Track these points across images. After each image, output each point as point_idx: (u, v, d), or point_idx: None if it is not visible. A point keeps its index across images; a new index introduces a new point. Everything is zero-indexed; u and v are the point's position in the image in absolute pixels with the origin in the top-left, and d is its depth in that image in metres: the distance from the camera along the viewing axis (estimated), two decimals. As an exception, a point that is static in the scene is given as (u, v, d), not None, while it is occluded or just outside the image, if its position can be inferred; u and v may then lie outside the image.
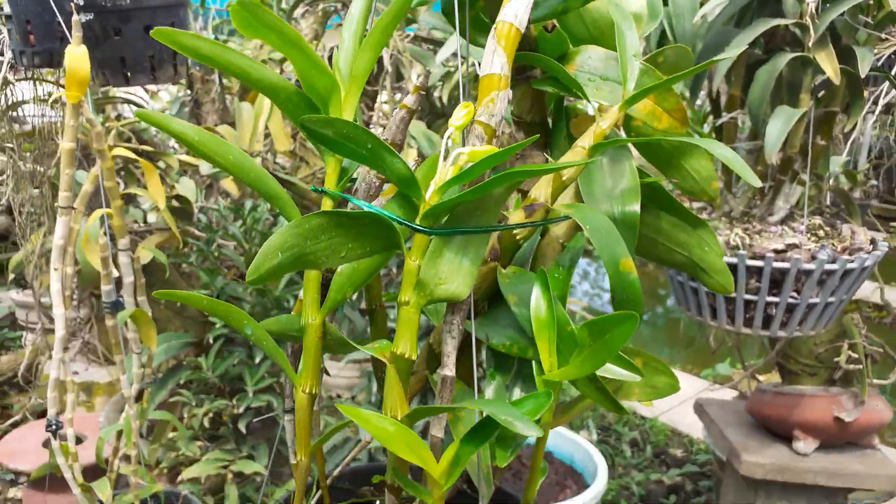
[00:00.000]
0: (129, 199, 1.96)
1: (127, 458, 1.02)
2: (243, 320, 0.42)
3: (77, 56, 0.84)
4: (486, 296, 0.50)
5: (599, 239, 0.44)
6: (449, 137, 0.40)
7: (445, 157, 0.40)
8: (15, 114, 1.71)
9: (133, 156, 0.97)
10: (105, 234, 0.94)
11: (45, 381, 2.59)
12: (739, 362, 1.74)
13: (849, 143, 1.96)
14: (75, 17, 0.83)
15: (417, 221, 0.40)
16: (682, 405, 2.63)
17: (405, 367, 0.41)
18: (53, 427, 0.90)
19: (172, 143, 2.35)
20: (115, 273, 0.94)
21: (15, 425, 2.36)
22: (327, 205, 0.47)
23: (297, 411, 0.46)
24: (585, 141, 0.47)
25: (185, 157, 1.94)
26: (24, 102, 1.62)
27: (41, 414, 2.39)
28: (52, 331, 2.58)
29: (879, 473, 1.47)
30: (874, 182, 2.91)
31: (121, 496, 1.04)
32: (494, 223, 0.44)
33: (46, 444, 1.90)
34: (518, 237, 0.49)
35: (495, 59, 0.44)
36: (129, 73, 0.87)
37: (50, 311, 2.32)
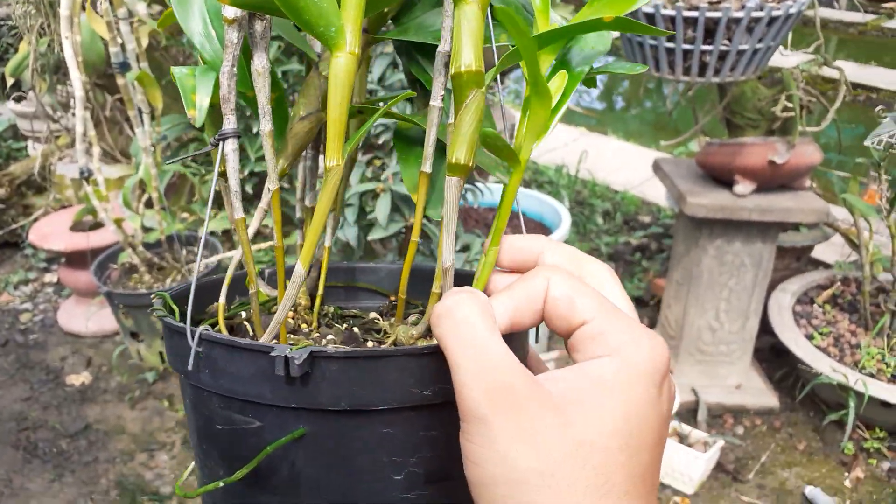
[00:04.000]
0: None
1: (149, 204, 1.21)
2: None
3: None
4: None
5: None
6: None
7: None
8: None
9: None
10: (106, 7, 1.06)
11: (59, 180, 2.77)
12: (693, 120, 1.90)
13: None
14: None
15: None
16: (653, 179, 2.84)
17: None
18: (86, 175, 1.07)
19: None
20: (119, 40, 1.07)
21: (37, 221, 2.58)
22: None
23: (332, 84, 0.31)
24: None
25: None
26: None
27: (61, 209, 2.60)
28: (58, 136, 2.72)
29: (805, 208, 1.69)
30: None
31: (148, 234, 1.24)
32: None
33: (75, 227, 2.12)
34: None
35: None
36: None
37: (55, 116, 2.44)
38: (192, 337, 0.32)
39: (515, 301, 0.29)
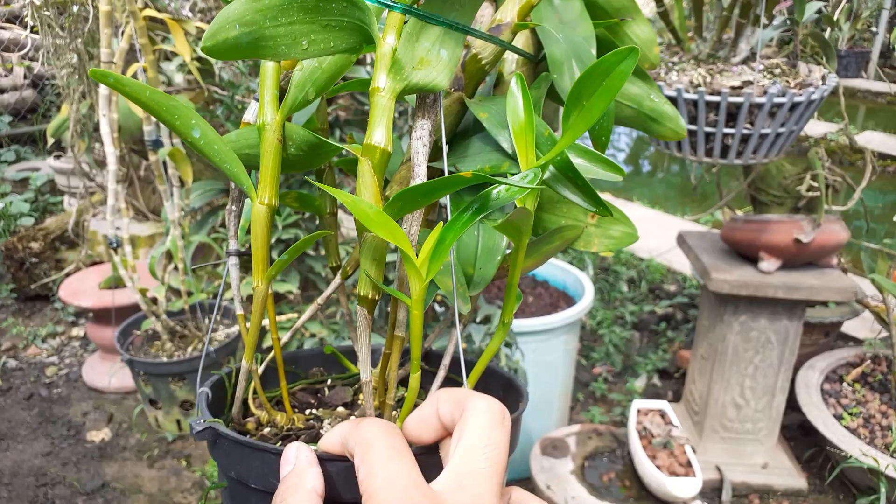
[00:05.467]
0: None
1: (176, 269, 1.23)
2: (190, 120, 0.35)
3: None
4: (450, 131, 0.47)
5: (561, 49, 0.45)
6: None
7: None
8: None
9: (159, 15, 1.11)
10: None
11: (91, 236, 2.83)
12: (718, 195, 1.90)
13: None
14: None
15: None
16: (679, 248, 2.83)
17: (381, 159, 0.38)
18: (114, 245, 1.10)
19: (186, 10, 2.44)
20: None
21: (69, 275, 2.63)
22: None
23: (253, 226, 0.39)
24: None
25: (200, 24, 2.05)
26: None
27: (91, 265, 2.66)
28: (93, 193, 2.80)
29: (831, 286, 1.67)
30: (875, 30, 2.94)
31: (173, 302, 1.26)
32: (469, 25, 0.41)
33: (102, 285, 2.16)
34: (483, 62, 0.47)
35: None
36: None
37: (91, 174, 2.52)
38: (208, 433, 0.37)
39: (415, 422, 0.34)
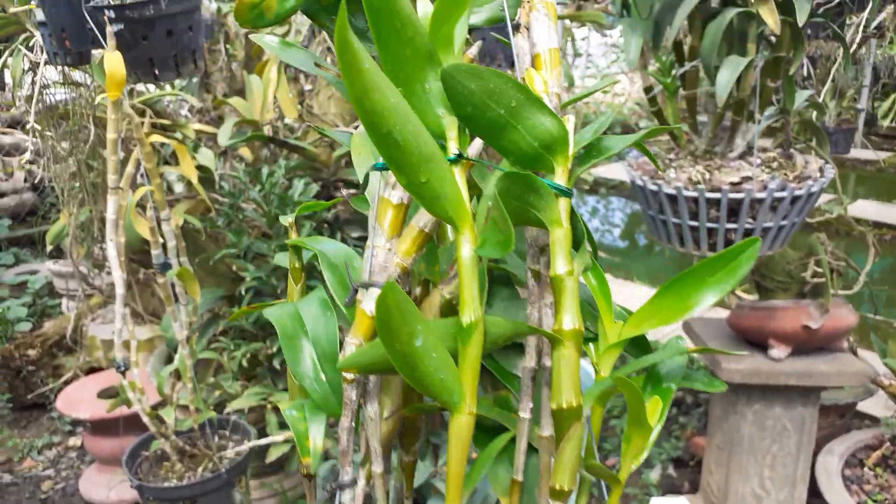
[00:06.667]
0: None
1: (184, 389, 1.21)
2: (416, 327, 0.31)
3: (114, 61, 0.99)
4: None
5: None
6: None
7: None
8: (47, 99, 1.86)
9: (167, 140, 1.12)
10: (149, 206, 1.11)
11: (89, 342, 2.81)
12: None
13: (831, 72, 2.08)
14: (109, 29, 0.98)
15: (557, 180, 0.37)
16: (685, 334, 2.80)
17: (578, 340, 0.35)
18: (122, 369, 1.08)
19: (184, 111, 2.49)
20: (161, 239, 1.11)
21: (67, 383, 2.59)
22: (462, 170, 0.37)
23: (453, 440, 0.33)
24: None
25: (199, 126, 2.09)
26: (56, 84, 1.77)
27: (89, 371, 2.61)
28: (91, 296, 2.79)
29: (845, 371, 1.64)
30: (860, 106, 3.03)
31: (182, 421, 1.23)
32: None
33: (101, 394, 2.12)
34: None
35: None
36: (157, 71, 1.02)
37: (88, 278, 2.51)
38: None
39: None
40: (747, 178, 1.28)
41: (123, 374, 1.07)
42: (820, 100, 2.13)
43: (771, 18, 1.15)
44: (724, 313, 2.29)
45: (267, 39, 0.49)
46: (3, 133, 3.72)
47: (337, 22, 0.28)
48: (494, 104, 0.35)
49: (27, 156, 2.25)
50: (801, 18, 1.15)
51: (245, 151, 1.89)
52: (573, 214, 0.39)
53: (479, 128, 0.36)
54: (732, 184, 1.28)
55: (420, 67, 0.35)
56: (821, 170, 1.35)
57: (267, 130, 1.90)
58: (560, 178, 0.37)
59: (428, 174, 0.33)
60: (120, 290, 1.09)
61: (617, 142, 0.40)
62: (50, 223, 3.46)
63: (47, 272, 3.56)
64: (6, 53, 1.46)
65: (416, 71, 0.34)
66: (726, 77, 1.19)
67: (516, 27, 0.42)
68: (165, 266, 1.08)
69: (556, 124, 0.36)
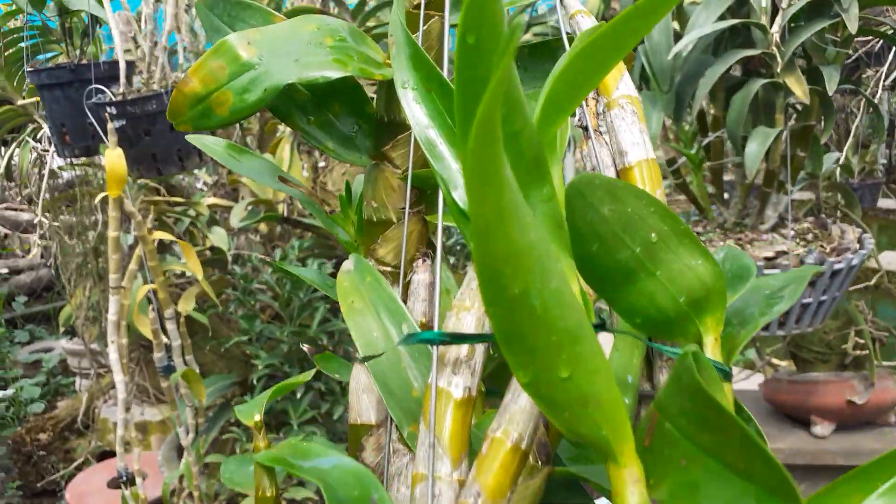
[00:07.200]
0: (166, 248, 2.09)
1: (190, 495, 1.14)
2: None
3: (115, 158, 0.95)
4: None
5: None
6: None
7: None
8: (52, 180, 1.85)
9: (170, 237, 1.08)
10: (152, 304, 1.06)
11: (101, 425, 2.74)
12: (757, 352, 1.81)
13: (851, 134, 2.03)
14: (110, 125, 0.95)
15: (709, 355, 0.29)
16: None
17: None
18: (124, 478, 1.01)
19: (200, 184, 2.47)
20: (165, 340, 1.05)
21: (78, 468, 2.51)
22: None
23: None
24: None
25: (213, 200, 2.06)
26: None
27: (101, 456, 2.54)
28: (101, 375, 2.73)
29: (896, 451, 1.54)
30: (883, 161, 2.98)
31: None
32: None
33: (111, 483, 2.04)
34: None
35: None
36: (160, 166, 0.98)
37: (99, 358, 2.46)
38: None
39: None
40: (782, 253, 1.21)
41: (125, 484, 1.01)
42: (842, 155, 2.08)
43: (799, 89, 1.10)
44: (756, 378, 2.20)
45: (209, 142, 0.40)
46: (21, 210, 3.73)
47: (477, 121, 0.16)
48: (629, 239, 0.24)
49: (35, 237, 2.23)
50: (831, 87, 1.10)
51: (261, 225, 1.85)
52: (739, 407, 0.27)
53: (598, 276, 0.25)
54: (767, 259, 1.21)
55: (523, 181, 0.22)
56: (859, 241, 1.28)
57: (281, 209, 1.87)
58: (712, 351, 0.27)
59: (572, 366, 0.19)
60: (122, 394, 1.03)
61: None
62: (66, 298, 3.43)
63: (61, 350, 3.52)
64: (13, 145, 1.44)
65: (521, 186, 0.21)
66: (755, 149, 1.13)
67: (584, 129, 0.32)
68: (168, 369, 1.02)
69: (711, 269, 0.26)
